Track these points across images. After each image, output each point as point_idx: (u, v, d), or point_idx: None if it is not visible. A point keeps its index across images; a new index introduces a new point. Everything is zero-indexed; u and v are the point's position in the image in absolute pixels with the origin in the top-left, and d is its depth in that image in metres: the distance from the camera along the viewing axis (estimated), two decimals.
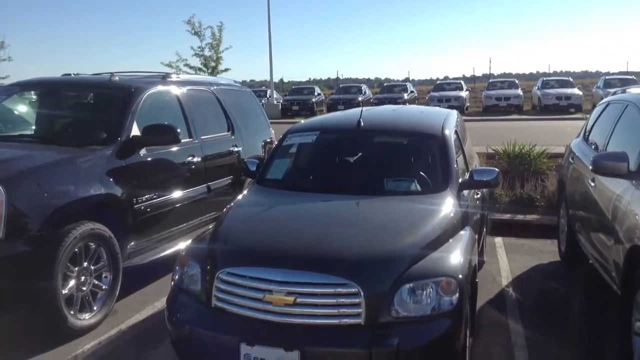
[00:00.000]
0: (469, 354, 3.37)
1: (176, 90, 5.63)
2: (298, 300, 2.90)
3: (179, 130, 4.90)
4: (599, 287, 4.68)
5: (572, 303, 4.83)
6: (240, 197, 4.25)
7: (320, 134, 4.63)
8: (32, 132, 5.43)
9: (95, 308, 4.27)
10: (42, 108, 5.62)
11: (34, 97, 5.87)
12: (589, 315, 4.49)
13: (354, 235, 3.32)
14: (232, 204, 4.06)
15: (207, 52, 24.19)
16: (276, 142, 4.93)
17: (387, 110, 6.03)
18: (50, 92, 5.63)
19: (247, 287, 3.02)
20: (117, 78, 5.36)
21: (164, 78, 5.71)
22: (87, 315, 4.18)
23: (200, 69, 24.03)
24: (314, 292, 2.92)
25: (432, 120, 4.83)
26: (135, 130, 4.78)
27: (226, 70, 24.63)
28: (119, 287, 4.48)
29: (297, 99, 29.90)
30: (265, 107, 26.57)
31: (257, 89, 34.72)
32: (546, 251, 6.26)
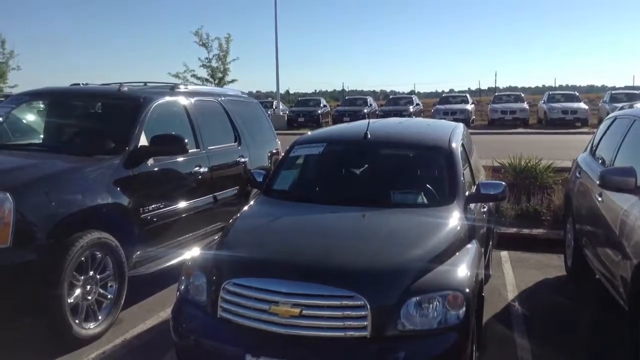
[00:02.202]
0: None
1: (184, 101, 5.67)
2: (304, 312, 2.90)
3: (186, 140, 4.92)
4: (606, 302, 4.66)
5: (579, 318, 4.79)
6: (246, 207, 4.25)
7: (327, 146, 4.64)
8: (41, 141, 5.46)
9: (100, 317, 4.27)
10: (51, 117, 5.66)
11: (43, 106, 5.90)
12: (596, 331, 4.47)
13: (361, 247, 3.32)
14: (238, 214, 4.07)
15: (214, 63, 24.48)
16: (283, 154, 4.94)
17: (393, 123, 6.05)
18: (59, 101, 5.67)
19: (253, 298, 3.02)
20: (125, 88, 5.41)
21: (172, 89, 5.76)
22: (92, 325, 4.18)
23: (207, 80, 24.22)
24: (320, 304, 2.91)
25: (439, 132, 4.84)
26: (143, 140, 4.81)
27: (233, 81, 24.87)
28: (124, 297, 4.48)
29: (303, 111, 30.01)
30: (271, 118, 26.63)
31: (263, 100, 34.80)
32: (552, 265, 6.22)
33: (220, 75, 24.69)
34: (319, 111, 29.65)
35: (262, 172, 4.70)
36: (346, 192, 4.22)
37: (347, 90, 62.25)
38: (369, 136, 4.42)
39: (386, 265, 3.09)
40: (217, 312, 3.11)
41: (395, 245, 3.35)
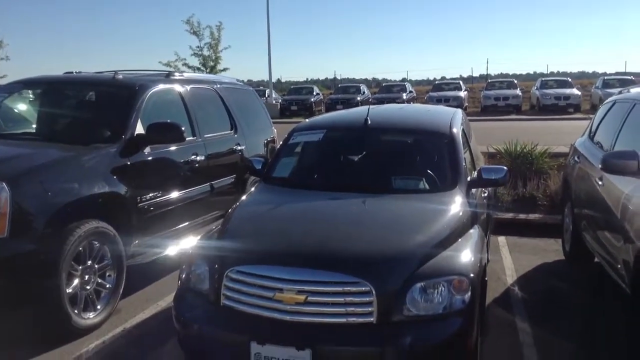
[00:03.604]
0: (479, 352, 3.35)
1: (179, 89, 5.59)
2: (309, 298, 2.87)
3: (183, 128, 4.86)
4: (605, 285, 4.68)
5: (578, 301, 4.81)
6: (247, 195, 4.21)
7: (327, 132, 4.59)
8: (36, 130, 5.38)
9: (99, 307, 4.23)
10: (46, 106, 5.56)
11: (37, 95, 5.80)
12: (596, 314, 4.48)
13: (365, 233, 3.29)
14: (239, 202, 4.03)
15: (205, 52, 24.15)
16: (281, 141, 4.90)
17: (394, 109, 6.02)
18: (53, 90, 5.57)
19: (256, 286, 2.99)
20: (120, 76, 5.33)
21: (167, 76, 5.68)
22: (91, 314, 4.14)
23: (199, 69, 23.98)
24: (326, 291, 2.89)
25: (440, 118, 4.81)
26: (140, 129, 4.74)
27: (225, 70, 24.56)
28: (122, 286, 4.44)
29: (295, 99, 29.88)
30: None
31: (255, 88, 34.55)
32: (550, 250, 6.24)
33: (212, 63, 24.43)
34: (312, 99, 29.53)
35: (261, 159, 4.66)
36: (347, 178, 4.18)
37: (339, 78, 62.04)
38: (370, 122, 4.38)
39: (391, 251, 3.07)
40: (220, 300, 3.08)
41: (399, 231, 3.33)
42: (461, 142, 4.30)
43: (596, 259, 4.88)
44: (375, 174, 4.18)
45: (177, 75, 5.85)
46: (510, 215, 7.33)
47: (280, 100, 30.80)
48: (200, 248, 3.47)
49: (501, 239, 6.65)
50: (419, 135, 4.56)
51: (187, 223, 5.31)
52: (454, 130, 4.38)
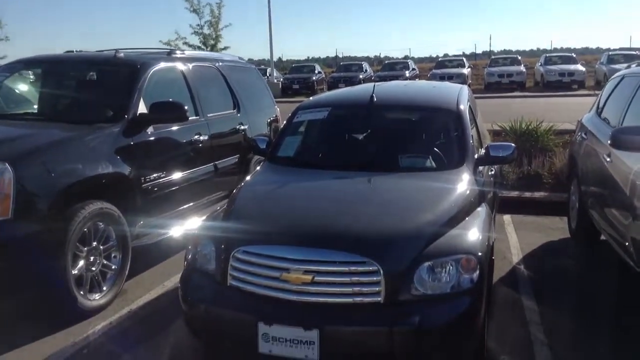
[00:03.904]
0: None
1: (182, 67, 5.52)
2: (316, 278, 2.85)
3: (186, 107, 4.80)
4: (612, 263, 4.65)
5: (585, 279, 4.80)
6: (251, 175, 4.17)
7: (332, 110, 4.53)
8: (38, 110, 5.32)
9: (104, 288, 4.22)
10: (47, 85, 5.49)
11: (37, 74, 5.74)
12: (602, 292, 4.46)
13: (372, 212, 3.25)
14: (244, 182, 3.99)
15: (206, 30, 24.00)
16: (285, 120, 4.84)
17: (399, 86, 5.94)
18: (54, 69, 5.50)
19: (263, 266, 2.97)
20: (122, 54, 5.25)
21: (169, 54, 5.61)
22: (97, 296, 4.13)
23: (199, 47, 23.79)
24: (333, 271, 2.86)
25: (446, 94, 4.74)
26: (142, 108, 4.69)
27: (225, 48, 24.46)
28: (128, 267, 4.44)
29: (297, 78, 29.64)
30: None
31: (256, 67, 34.33)
32: (555, 228, 6.21)
33: (212, 42, 24.26)
34: (314, 78, 29.29)
35: (265, 139, 4.61)
36: (353, 156, 4.14)
37: (340, 56, 61.46)
38: (376, 99, 4.32)
39: (398, 230, 3.03)
40: (227, 280, 3.06)
41: (406, 210, 3.29)
42: (468, 119, 4.24)
43: (603, 237, 4.85)
44: (381, 152, 4.14)
45: (178, 53, 5.78)
46: (515, 193, 7.28)
47: (281, 79, 30.57)
48: (206, 228, 3.45)
49: (506, 218, 6.62)
50: (426, 112, 4.50)
51: (191, 203, 5.27)
52: (461, 106, 4.31)
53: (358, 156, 4.14)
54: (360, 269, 2.85)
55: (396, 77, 25.23)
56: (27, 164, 3.73)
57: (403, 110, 4.58)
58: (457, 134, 4.07)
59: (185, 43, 23.28)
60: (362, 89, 4.96)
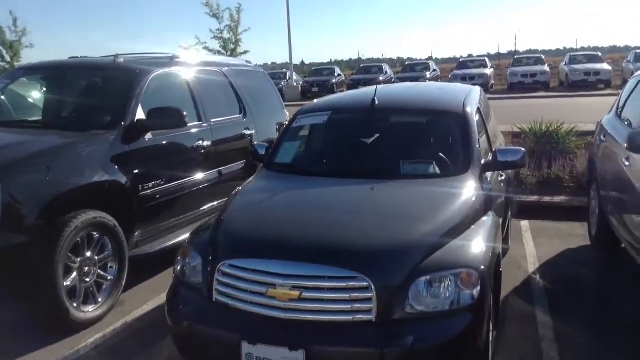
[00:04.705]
0: (493, 348, 3.13)
1: (184, 72, 5.41)
2: (304, 294, 2.67)
3: (185, 113, 4.67)
4: (634, 274, 4.37)
5: (605, 291, 4.52)
6: (246, 183, 4.01)
7: (332, 114, 4.34)
8: (34, 118, 5.25)
9: (100, 300, 4.11)
10: (46, 92, 5.44)
11: (38, 81, 5.69)
12: (623, 306, 4.18)
13: (365, 223, 3.06)
14: (237, 190, 3.83)
15: (225, 35, 24.03)
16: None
17: (403, 88, 5.74)
18: (52, 75, 5.44)
19: (249, 281, 2.80)
20: (121, 60, 5.15)
21: (171, 59, 5.49)
22: (91, 308, 4.02)
23: (219, 52, 23.85)
24: (321, 287, 2.68)
25: (453, 97, 4.52)
26: (141, 114, 4.58)
27: (245, 52, 24.49)
28: (125, 278, 4.31)
29: (316, 80, 29.54)
30: (285, 89, 26.31)
31: (278, 71, 34.46)
32: (575, 235, 5.92)
33: (232, 46, 24.30)
34: (333, 80, 29.13)
35: (265, 144, 4.45)
36: (352, 163, 3.94)
37: (363, 58, 61.16)
38: (377, 103, 4.12)
39: (392, 242, 2.83)
40: (212, 295, 2.90)
41: (403, 220, 3.09)
42: (475, 123, 4.01)
43: (623, 245, 4.57)
44: (382, 158, 3.94)
45: (181, 58, 5.66)
46: (534, 198, 7.01)
47: (301, 82, 30.49)
48: (195, 239, 3.31)
49: (524, 224, 6.35)
50: (430, 115, 4.29)
51: (193, 212, 5.14)
52: (468, 109, 4.09)
53: (357, 162, 3.94)
54: (351, 284, 2.66)
55: (417, 79, 24.93)
56: (16, 173, 3.64)
57: (405, 114, 4.38)
58: (462, 138, 3.85)
59: (205, 47, 23.39)
60: (364, 92, 4.77)
